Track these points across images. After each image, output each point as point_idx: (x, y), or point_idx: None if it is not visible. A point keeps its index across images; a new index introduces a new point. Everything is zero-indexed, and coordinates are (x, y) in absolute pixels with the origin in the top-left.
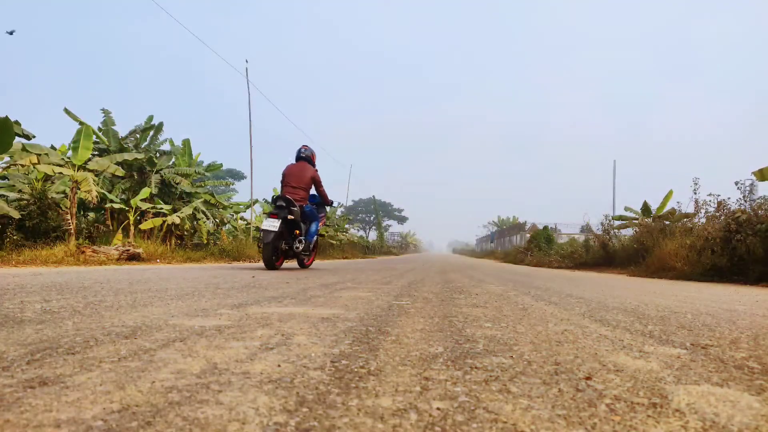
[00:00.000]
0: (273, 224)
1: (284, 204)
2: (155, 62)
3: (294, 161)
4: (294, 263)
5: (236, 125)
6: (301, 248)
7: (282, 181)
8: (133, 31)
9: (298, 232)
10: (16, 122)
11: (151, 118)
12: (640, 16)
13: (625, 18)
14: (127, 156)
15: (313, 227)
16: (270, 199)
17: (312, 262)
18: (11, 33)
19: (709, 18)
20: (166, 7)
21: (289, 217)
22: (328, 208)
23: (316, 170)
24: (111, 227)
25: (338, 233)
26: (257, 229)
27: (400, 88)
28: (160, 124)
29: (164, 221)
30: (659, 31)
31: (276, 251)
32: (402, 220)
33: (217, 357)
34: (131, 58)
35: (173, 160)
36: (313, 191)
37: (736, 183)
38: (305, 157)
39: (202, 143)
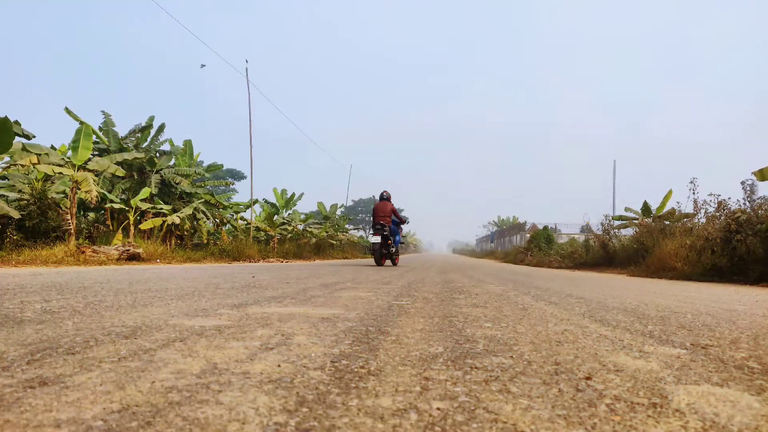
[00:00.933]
0: (377, 239)
1: (380, 227)
2: (155, 63)
3: (379, 200)
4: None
5: (236, 125)
6: (393, 251)
7: (374, 213)
8: (134, 32)
9: (390, 242)
10: (16, 122)
11: (152, 119)
12: (640, 16)
13: (625, 18)
14: (127, 156)
15: (397, 238)
16: (267, 200)
17: (398, 261)
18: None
19: (710, 18)
20: (167, 8)
21: (384, 233)
22: (404, 226)
23: (393, 204)
24: (111, 227)
25: (338, 233)
26: (257, 229)
27: (401, 88)
28: (162, 125)
29: (164, 221)
30: (659, 32)
31: (381, 255)
32: None
33: (217, 357)
34: (131, 58)
35: (173, 160)
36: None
37: (742, 183)
38: (386, 198)
39: (202, 143)
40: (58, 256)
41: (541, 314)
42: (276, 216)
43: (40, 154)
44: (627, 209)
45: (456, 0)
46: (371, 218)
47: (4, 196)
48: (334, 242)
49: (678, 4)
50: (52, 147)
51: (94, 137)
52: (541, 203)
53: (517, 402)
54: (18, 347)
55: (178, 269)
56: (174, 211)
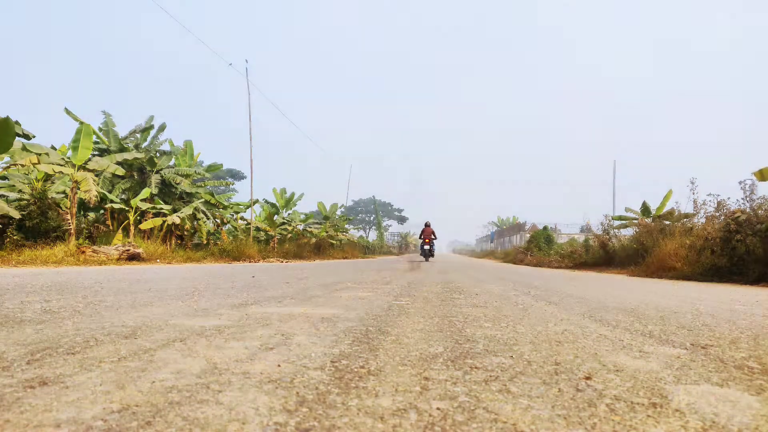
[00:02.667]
0: (428, 247)
1: (427, 240)
2: (156, 63)
3: (425, 226)
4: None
5: (237, 126)
6: (434, 254)
7: (423, 234)
8: (133, 32)
9: (432, 249)
10: (17, 122)
11: (151, 118)
12: (641, 16)
13: (626, 18)
14: (127, 156)
15: (434, 246)
16: (267, 200)
17: (432, 259)
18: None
19: (712, 17)
20: (168, 9)
21: (430, 245)
22: (436, 240)
23: (432, 228)
24: (111, 227)
25: (338, 233)
26: (257, 229)
27: (400, 89)
28: (163, 125)
29: (164, 221)
30: (660, 31)
31: (427, 255)
32: (402, 220)
33: (217, 357)
34: (132, 59)
35: (173, 160)
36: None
37: (740, 183)
38: (429, 224)
39: (202, 143)
40: (58, 256)
41: (540, 314)
42: (276, 216)
43: (40, 154)
44: (627, 209)
45: (456, 3)
46: (420, 235)
47: (4, 196)
48: (334, 242)
49: (679, 4)
50: (53, 147)
51: (94, 137)
52: (541, 203)
53: (517, 402)
54: (18, 347)
55: (178, 269)
56: (174, 211)
